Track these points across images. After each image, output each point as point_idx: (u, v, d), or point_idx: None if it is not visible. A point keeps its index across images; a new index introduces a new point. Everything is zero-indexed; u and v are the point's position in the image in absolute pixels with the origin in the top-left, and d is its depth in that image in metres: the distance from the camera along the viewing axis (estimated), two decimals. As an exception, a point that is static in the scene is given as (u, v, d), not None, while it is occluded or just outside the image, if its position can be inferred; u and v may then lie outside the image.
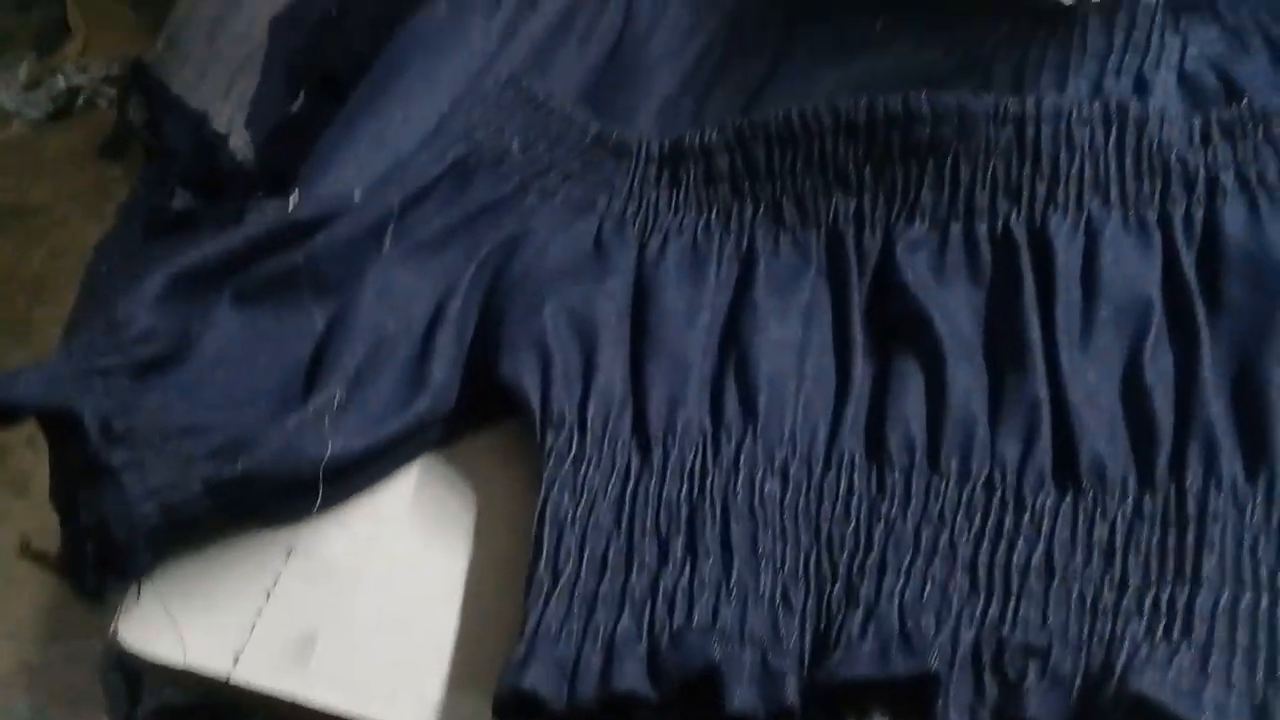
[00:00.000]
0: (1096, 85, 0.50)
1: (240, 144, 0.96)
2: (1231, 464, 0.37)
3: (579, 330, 0.43)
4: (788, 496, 0.39)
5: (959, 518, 0.38)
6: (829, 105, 0.45)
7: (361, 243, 0.46)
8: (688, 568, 0.38)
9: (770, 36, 0.53)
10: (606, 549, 0.38)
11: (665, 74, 0.53)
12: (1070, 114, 0.43)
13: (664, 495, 0.39)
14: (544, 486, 0.40)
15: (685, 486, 0.40)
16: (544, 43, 0.54)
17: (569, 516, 0.39)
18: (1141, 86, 0.49)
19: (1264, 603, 0.35)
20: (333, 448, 0.41)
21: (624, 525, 0.39)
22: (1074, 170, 0.43)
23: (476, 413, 0.45)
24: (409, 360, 0.44)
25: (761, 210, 0.46)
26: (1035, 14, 0.51)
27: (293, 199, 0.50)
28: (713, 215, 0.46)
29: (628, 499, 0.40)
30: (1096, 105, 0.43)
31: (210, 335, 0.44)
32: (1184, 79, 0.49)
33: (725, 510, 0.39)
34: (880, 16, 0.53)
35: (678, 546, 0.38)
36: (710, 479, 0.40)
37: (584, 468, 0.40)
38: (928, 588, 0.37)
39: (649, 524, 0.39)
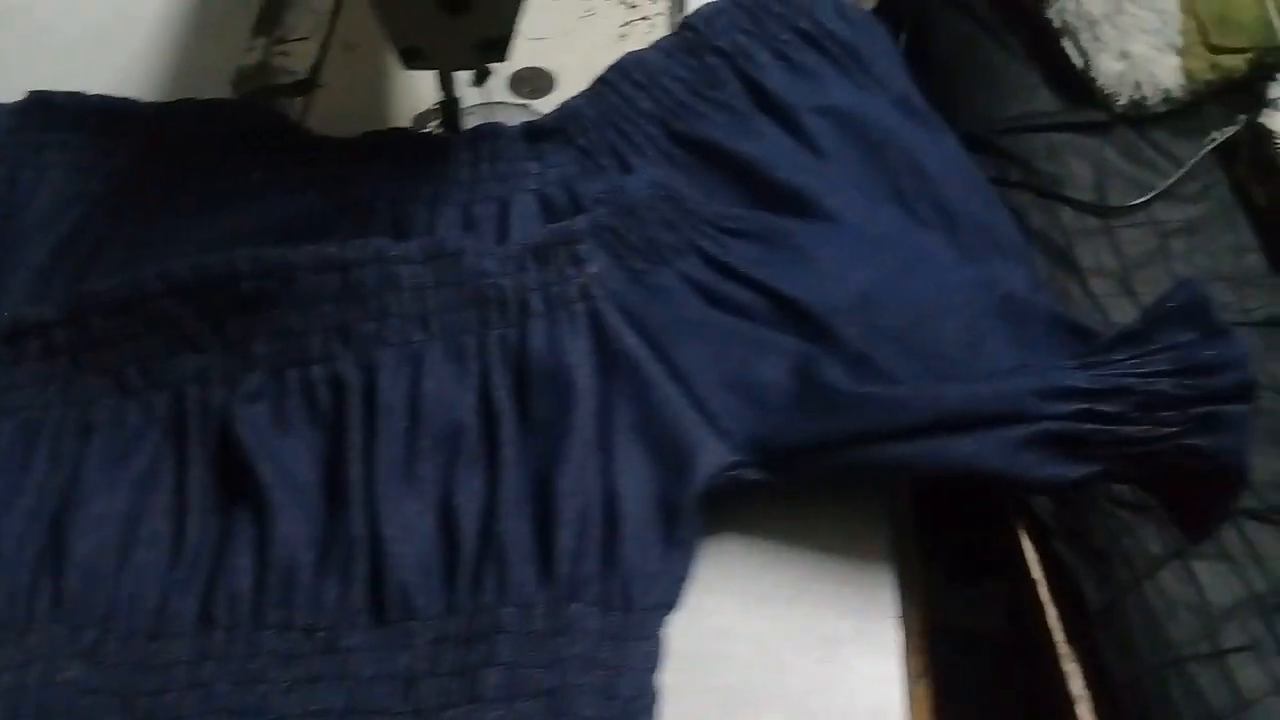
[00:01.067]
0: (465, 212, 0.52)
1: None
2: (522, 574, 0.38)
3: None
4: (94, 679, 0.38)
5: (276, 670, 0.38)
6: (157, 270, 0.44)
7: None
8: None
9: (149, 198, 0.53)
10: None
11: (37, 245, 0.51)
12: (393, 255, 0.44)
13: None
14: None
15: (-22, 691, 0.37)
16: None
17: None
18: (504, 210, 0.52)
19: (535, 711, 0.36)
20: None
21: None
22: (399, 307, 0.44)
23: None
24: None
25: (105, 379, 0.44)
26: (409, 151, 0.54)
27: None
28: (51, 391, 0.44)
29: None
30: (418, 244, 0.45)
31: None
32: (541, 200, 0.52)
33: (13, 711, 0.36)
34: (258, 167, 0.53)
35: None
36: (3, 677, 0.37)
37: None
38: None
39: (-73, 743, 0.36)
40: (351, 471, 0.41)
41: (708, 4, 0.57)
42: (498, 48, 0.49)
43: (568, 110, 0.54)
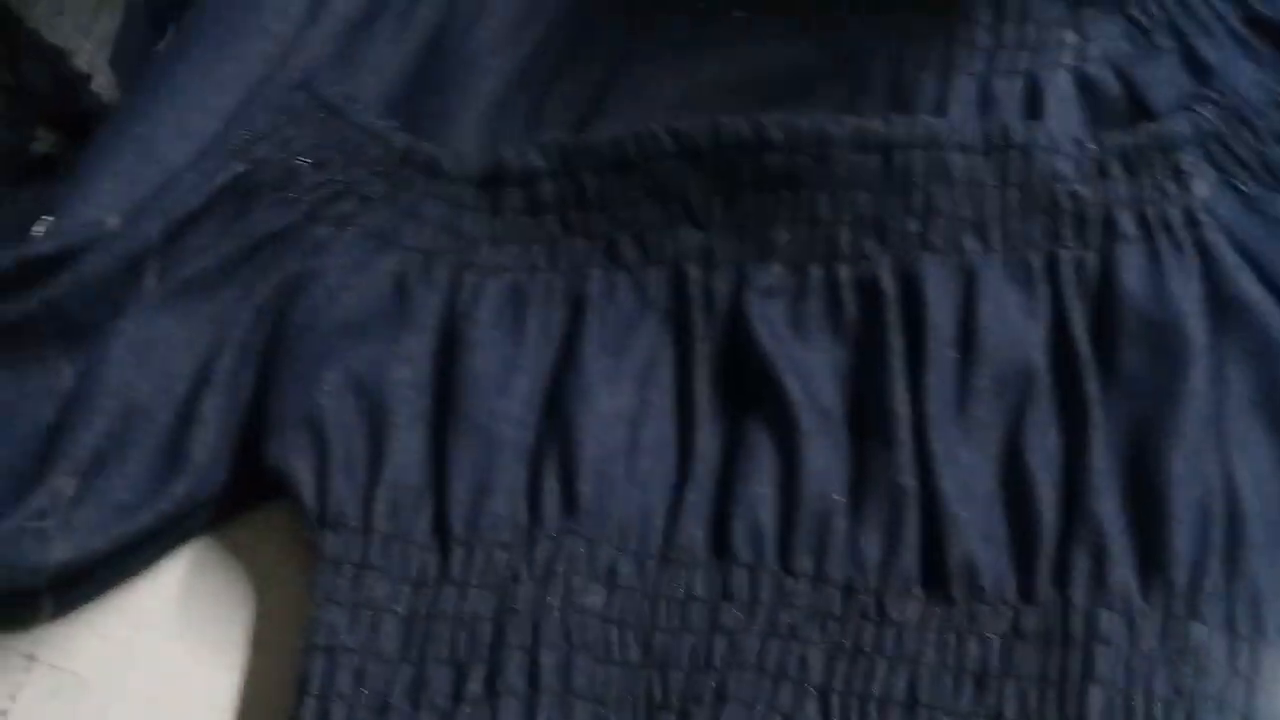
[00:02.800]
0: (983, 86, 0.43)
1: (105, 84, 0.90)
2: (1124, 573, 0.32)
3: (366, 404, 0.36)
4: (613, 606, 0.33)
5: (811, 630, 0.33)
6: (668, 127, 0.38)
7: (116, 282, 0.38)
8: (484, 710, 0.31)
9: (616, 28, 0.46)
10: (390, 682, 0.32)
11: (492, 71, 0.45)
12: (946, 139, 0.37)
13: (464, 612, 0.33)
14: (315, 602, 0.33)
15: (490, 600, 0.33)
16: (351, 31, 0.46)
17: (344, 641, 0.32)
18: (1033, 89, 0.43)
19: (1156, 748, 0.29)
20: (62, 551, 0.34)
21: (414, 651, 0.33)
22: (949, 206, 0.37)
23: (254, 491, 0.37)
24: (166, 431, 0.37)
25: (595, 246, 0.39)
26: (917, 2, 0.45)
27: (41, 227, 0.42)
28: (538, 251, 0.39)
29: (421, 617, 0.33)
30: (975, 128, 0.37)
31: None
32: (1081, 82, 0.43)
33: (536, 632, 0.32)
34: (739, 6, 0.45)
35: (476, 681, 0.32)
36: (520, 589, 0.33)
37: (367, 578, 0.33)
38: (773, 720, 0.31)
39: (444, 650, 0.32)
40: (894, 403, 0.35)
41: None
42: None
43: (1120, -31, 0.44)
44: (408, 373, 0.36)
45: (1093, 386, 0.34)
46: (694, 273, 0.38)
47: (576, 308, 0.38)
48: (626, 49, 0.45)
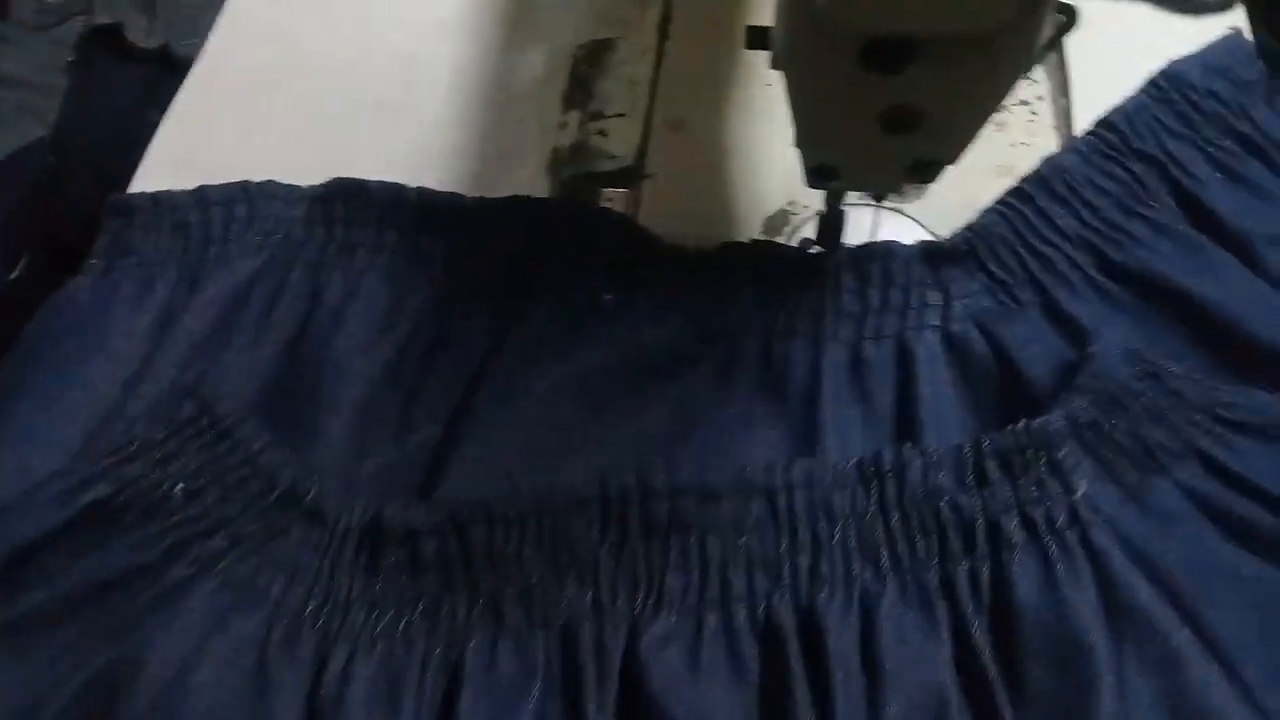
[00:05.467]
0: (854, 352, 0.44)
1: (-47, 314, 0.87)
2: None
3: None
4: None
5: None
6: (552, 482, 0.37)
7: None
8: None
9: (482, 318, 0.45)
10: None
11: (357, 375, 0.43)
12: (823, 478, 0.37)
13: None
14: None
15: None
16: (209, 336, 0.44)
17: None
18: (903, 351, 0.43)
19: None
20: None
21: None
22: (838, 540, 0.36)
23: None
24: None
25: (479, 607, 0.37)
26: (779, 273, 0.45)
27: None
28: (416, 616, 0.37)
29: None
30: (852, 466, 0.37)
31: None
32: (948, 341, 0.43)
33: None
34: (609, 289, 0.45)
35: None
36: None
37: None
38: None
39: None
40: (804, 736, 0.34)
41: (1130, 99, 0.47)
42: (931, 170, 0.39)
43: (977, 228, 0.45)
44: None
45: (1005, 707, 0.33)
46: (583, 630, 0.36)
47: (451, 684, 0.35)
48: (496, 339, 0.44)
